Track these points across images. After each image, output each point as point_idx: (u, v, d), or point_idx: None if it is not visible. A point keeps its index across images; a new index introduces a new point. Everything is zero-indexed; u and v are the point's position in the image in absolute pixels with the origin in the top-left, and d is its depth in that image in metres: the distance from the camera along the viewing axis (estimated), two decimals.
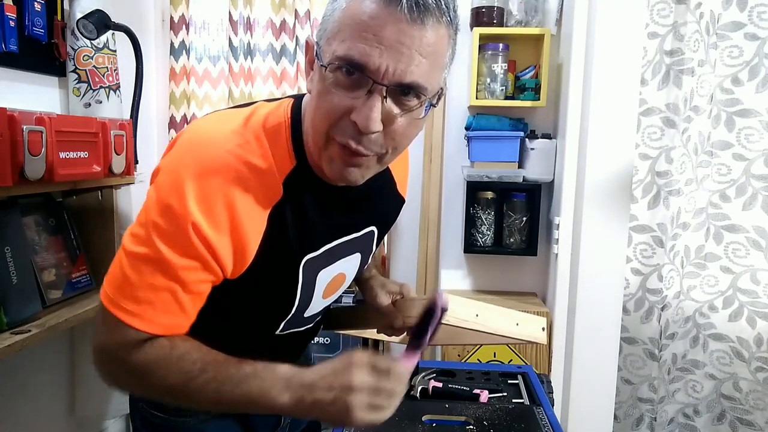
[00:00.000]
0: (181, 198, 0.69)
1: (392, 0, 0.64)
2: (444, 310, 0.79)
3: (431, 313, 0.79)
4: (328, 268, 0.88)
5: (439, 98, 0.73)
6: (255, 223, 0.74)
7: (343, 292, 0.98)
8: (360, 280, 1.07)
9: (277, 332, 0.90)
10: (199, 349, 0.75)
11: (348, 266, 0.92)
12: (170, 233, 0.70)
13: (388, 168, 0.89)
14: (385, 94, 0.67)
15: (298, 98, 0.81)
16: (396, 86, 0.67)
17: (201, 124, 0.78)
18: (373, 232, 0.94)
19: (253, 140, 0.74)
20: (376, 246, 0.99)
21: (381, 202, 0.94)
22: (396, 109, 0.69)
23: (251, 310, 0.85)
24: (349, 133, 0.69)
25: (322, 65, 0.69)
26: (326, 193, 0.80)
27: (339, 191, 0.81)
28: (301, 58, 2.18)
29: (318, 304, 0.90)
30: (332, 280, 0.90)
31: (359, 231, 0.91)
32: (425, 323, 0.79)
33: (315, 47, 0.72)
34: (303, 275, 0.83)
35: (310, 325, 0.98)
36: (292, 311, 0.86)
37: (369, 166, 0.74)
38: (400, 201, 1.01)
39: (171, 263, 0.71)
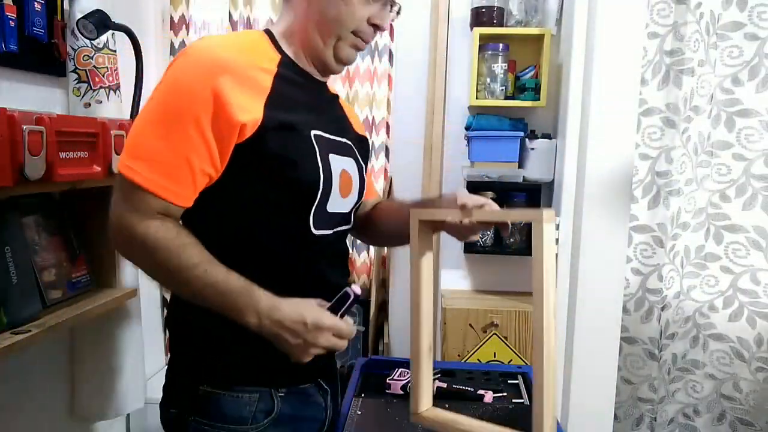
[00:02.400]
0: (197, 68, 0.86)
1: None
2: (357, 296, 0.90)
3: (345, 296, 0.91)
4: (335, 155, 0.98)
5: None
6: (260, 84, 0.89)
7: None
8: (401, 211, 1.07)
9: (312, 229, 0.95)
10: (201, 247, 0.86)
11: (350, 167, 1.02)
12: (187, 95, 0.85)
13: (340, 103, 1.12)
14: (390, 6, 0.98)
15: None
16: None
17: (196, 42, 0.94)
18: (353, 147, 1.06)
19: (245, 38, 1.00)
20: (364, 167, 1.09)
21: (346, 120, 1.11)
22: (393, 15, 1.00)
23: (283, 191, 0.91)
24: (369, 33, 0.97)
25: None
26: (308, 84, 0.99)
27: (316, 87, 1.02)
28: None
29: (337, 199, 0.98)
30: (342, 173, 0.99)
31: (343, 137, 1.03)
32: (338, 304, 0.91)
33: None
34: (318, 148, 0.93)
35: (341, 229, 1.03)
36: (318, 195, 0.93)
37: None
38: (365, 138, 1.16)
39: (184, 121, 0.83)
